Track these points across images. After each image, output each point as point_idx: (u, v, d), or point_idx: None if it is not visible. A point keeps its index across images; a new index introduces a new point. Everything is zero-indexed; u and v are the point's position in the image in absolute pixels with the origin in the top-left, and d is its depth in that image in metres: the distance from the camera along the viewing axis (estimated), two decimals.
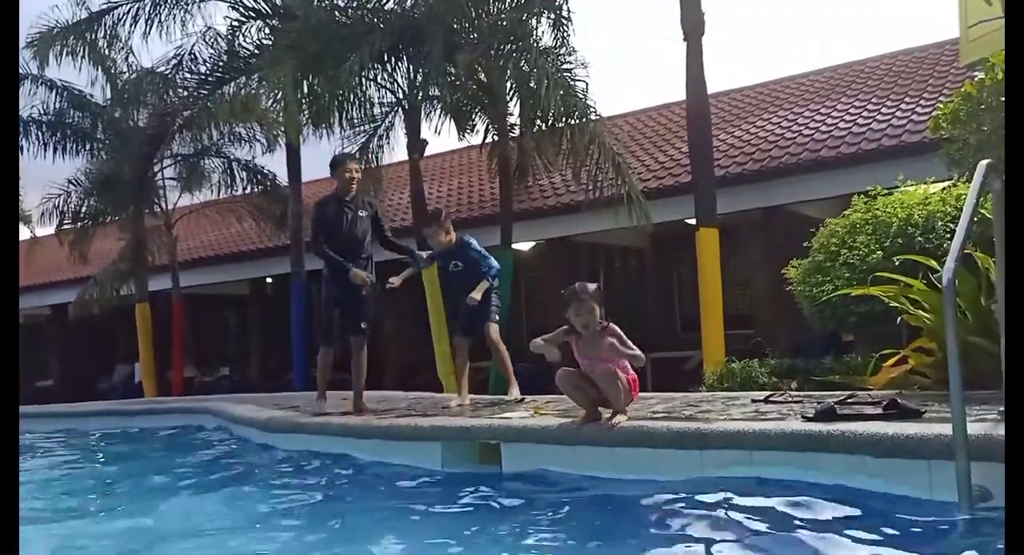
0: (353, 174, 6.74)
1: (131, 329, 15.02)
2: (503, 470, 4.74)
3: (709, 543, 3.07)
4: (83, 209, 14.58)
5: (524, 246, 12.67)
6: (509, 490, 4.43)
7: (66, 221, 14.79)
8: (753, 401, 5.02)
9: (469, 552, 3.35)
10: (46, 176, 16.73)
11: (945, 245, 5.51)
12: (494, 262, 6.66)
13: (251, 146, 14.25)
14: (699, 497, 3.64)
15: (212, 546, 3.81)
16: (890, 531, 3.05)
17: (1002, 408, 3.82)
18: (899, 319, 5.23)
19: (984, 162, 3.66)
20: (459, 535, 3.59)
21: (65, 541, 4.07)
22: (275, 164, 14.51)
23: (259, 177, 14.53)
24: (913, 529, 3.07)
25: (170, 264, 14.61)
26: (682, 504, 3.60)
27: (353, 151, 11.58)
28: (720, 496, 3.58)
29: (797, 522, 3.20)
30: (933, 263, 5.29)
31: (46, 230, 15.96)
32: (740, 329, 12.18)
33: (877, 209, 6.14)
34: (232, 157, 14.58)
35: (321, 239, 6.59)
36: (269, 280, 15.63)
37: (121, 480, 6.17)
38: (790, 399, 4.86)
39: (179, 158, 14.67)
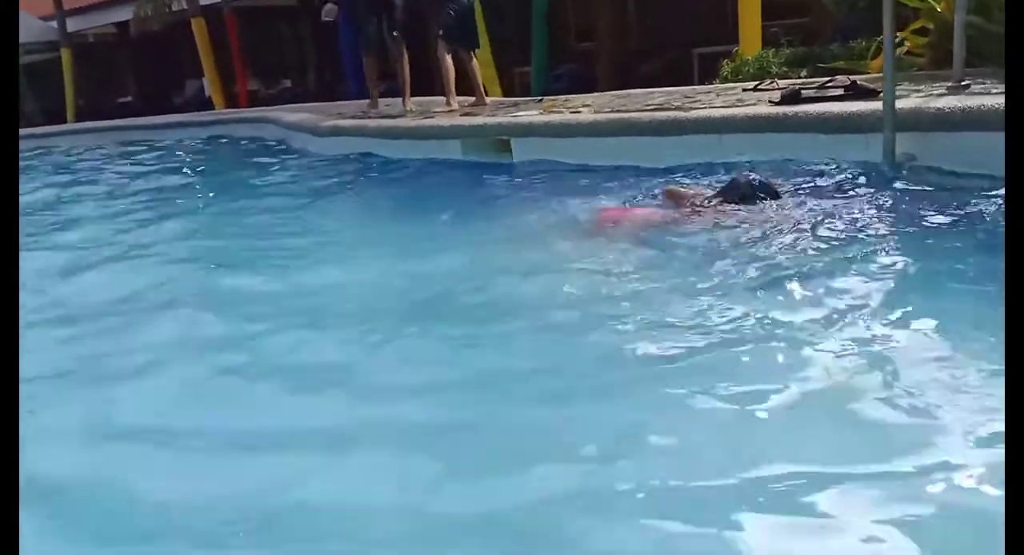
0: None
1: (193, 45, 15.48)
2: (514, 160, 5.37)
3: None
4: None
5: None
6: (518, 174, 5.15)
7: None
8: (744, 90, 5.37)
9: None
10: None
11: None
12: None
13: None
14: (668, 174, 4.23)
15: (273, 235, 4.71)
16: (828, 183, 3.69)
17: (951, 84, 4.13)
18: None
19: None
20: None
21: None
22: None
23: None
24: (846, 179, 3.67)
25: None
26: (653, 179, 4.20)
27: None
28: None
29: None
30: None
31: None
32: (796, 18, 11.83)
33: None
34: None
35: None
36: None
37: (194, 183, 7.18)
38: (776, 87, 5.19)
39: None
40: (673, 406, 1.93)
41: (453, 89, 7.21)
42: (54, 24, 18.54)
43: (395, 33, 7.36)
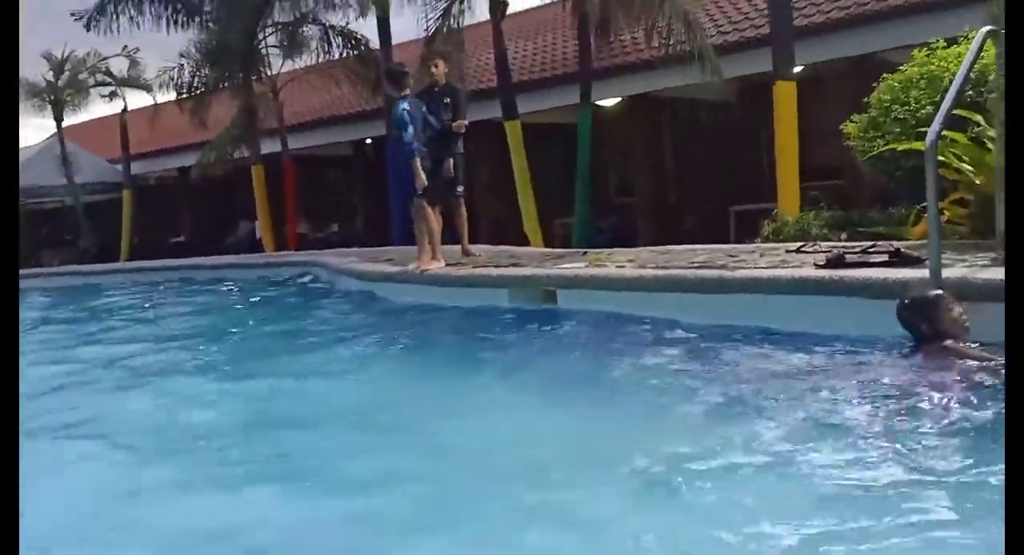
0: (440, 72, 7.36)
1: (249, 189, 16.27)
2: (559, 307, 5.47)
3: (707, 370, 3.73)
4: (195, 80, 15.60)
5: (608, 103, 12.90)
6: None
7: (182, 92, 15.89)
8: (787, 251, 5.49)
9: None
10: (162, 45, 17.75)
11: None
12: (408, 137, 6.82)
13: (344, 12, 14.78)
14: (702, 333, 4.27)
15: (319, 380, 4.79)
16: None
17: (995, 255, 4.21)
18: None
19: (984, 29, 3.89)
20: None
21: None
22: (366, 29, 15.02)
23: (353, 42, 15.05)
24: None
25: (278, 128, 15.57)
26: (681, 334, 4.25)
27: (436, 17, 11.79)
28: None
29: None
30: (978, 117, 5.49)
31: (166, 96, 17.21)
32: (832, 180, 12.17)
33: (933, 64, 6.23)
34: (328, 23, 15.15)
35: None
36: (368, 141, 16.45)
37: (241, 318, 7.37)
38: (819, 249, 5.30)
39: (280, 26, 15.33)
40: None
41: (438, 243, 7.13)
42: (119, 167, 19.71)
43: (459, 189, 7.48)
